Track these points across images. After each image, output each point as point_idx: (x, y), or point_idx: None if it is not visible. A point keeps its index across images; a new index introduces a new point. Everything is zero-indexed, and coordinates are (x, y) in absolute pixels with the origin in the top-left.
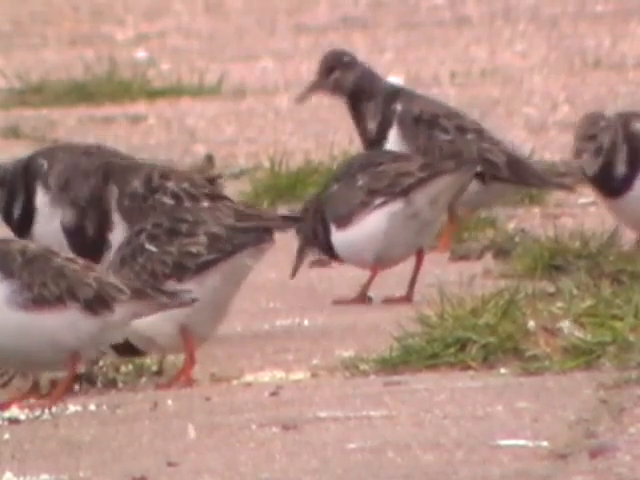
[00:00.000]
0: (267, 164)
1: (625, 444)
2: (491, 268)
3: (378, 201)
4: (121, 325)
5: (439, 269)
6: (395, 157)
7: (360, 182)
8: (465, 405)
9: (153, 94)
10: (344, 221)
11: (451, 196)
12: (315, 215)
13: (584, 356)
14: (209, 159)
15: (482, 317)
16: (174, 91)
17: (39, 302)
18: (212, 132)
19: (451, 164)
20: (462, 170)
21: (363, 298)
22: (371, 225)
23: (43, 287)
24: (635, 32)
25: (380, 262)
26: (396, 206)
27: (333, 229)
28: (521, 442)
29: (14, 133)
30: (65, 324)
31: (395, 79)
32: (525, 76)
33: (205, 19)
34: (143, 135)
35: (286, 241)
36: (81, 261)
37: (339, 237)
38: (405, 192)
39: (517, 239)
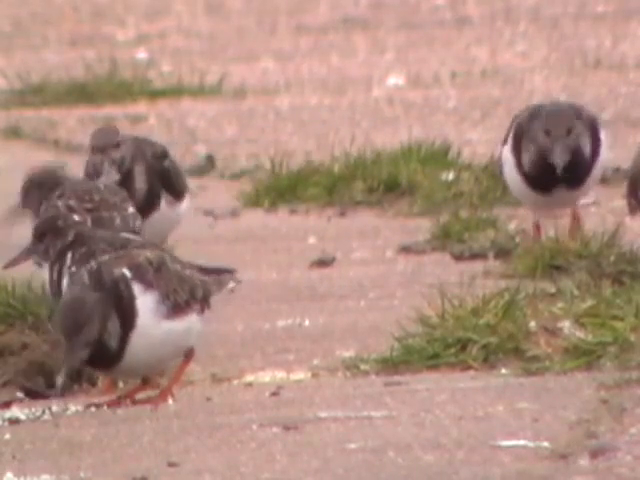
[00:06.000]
0: (268, 164)
1: (626, 444)
2: (492, 268)
3: None
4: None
5: (440, 269)
6: None
7: None
8: (466, 405)
9: (154, 94)
10: None
11: None
12: None
13: (585, 356)
14: (210, 160)
15: (483, 317)
16: (175, 91)
17: (175, 309)
18: (213, 132)
19: None
20: None
21: None
22: None
23: (176, 294)
24: (636, 32)
25: None
26: None
27: None
28: (522, 442)
29: (15, 133)
30: (188, 326)
31: (396, 79)
32: (526, 76)
33: (206, 19)
34: (144, 135)
35: (285, 242)
36: (178, 259)
37: None
38: None
39: (518, 239)
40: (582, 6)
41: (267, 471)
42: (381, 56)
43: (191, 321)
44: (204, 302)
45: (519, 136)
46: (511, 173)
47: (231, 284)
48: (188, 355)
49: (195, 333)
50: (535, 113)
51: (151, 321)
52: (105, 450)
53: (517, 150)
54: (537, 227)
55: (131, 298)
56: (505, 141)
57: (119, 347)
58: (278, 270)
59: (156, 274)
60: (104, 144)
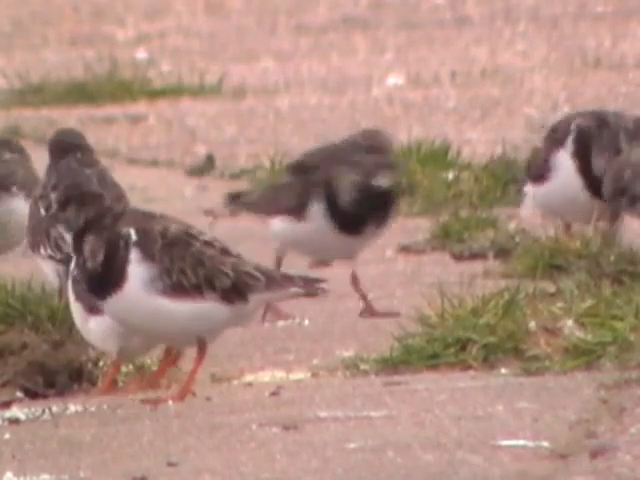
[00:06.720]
0: (267, 164)
1: (625, 444)
2: (491, 268)
3: None
4: (252, 313)
5: (439, 269)
6: None
7: None
8: (465, 405)
9: (153, 94)
10: None
11: None
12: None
13: (584, 356)
14: (209, 159)
15: (482, 317)
16: (174, 91)
17: (177, 289)
18: (212, 132)
19: None
20: None
21: None
22: None
23: (182, 274)
24: (635, 32)
25: None
26: None
27: None
28: (521, 442)
29: (14, 133)
30: (200, 313)
31: (395, 79)
32: (525, 76)
33: (205, 19)
34: (143, 135)
35: None
36: (218, 244)
37: None
38: None
39: (518, 239)
40: (582, 6)
41: (267, 471)
42: (381, 56)
43: (202, 308)
44: (233, 293)
45: (583, 143)
46: (568, 177)
47: (298, 290)
48: (201, 348)
49: (209, 322)
50: (602, 122)
51: (140, 292)
52: (105, 450)
53: (581, 157)
54: (568, 227)
55: (125, 260)
56: (556, 142)
57: (102, 283)
58: None
59: (163, 248)
60: (382, 145)
